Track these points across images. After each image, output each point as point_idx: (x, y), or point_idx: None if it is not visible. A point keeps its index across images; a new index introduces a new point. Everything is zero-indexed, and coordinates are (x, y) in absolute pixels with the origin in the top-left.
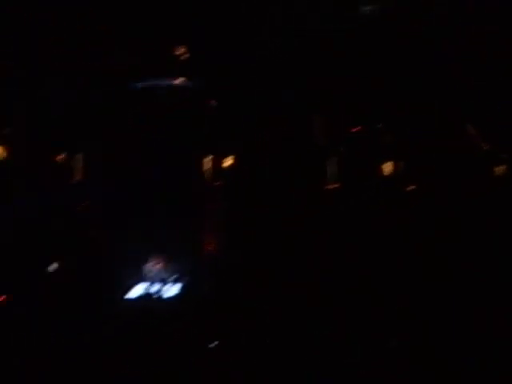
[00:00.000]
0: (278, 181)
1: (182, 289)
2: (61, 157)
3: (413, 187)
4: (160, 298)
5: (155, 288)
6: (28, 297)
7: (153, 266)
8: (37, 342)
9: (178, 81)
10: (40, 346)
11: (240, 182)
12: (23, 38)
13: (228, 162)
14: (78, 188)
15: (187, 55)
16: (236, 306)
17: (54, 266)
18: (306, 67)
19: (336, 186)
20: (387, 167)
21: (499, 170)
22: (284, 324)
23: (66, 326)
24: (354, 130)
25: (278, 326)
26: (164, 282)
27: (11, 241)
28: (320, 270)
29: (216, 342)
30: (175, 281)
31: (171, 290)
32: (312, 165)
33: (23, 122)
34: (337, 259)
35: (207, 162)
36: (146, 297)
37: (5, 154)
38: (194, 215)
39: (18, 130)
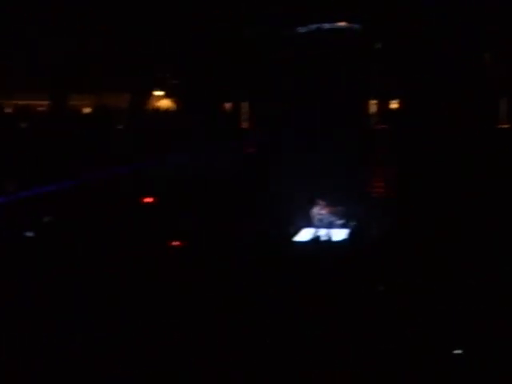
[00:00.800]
0: (446, 124)
1: (349, 233)
2: (228, 105)
3: None
4: (328, 242)
5: (323, 232)
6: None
7: (320, 211)
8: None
9: (343, 24)
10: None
11: (406, 125)
12: None
13: (393, 105)
14: (247, 134)
15: None
16: (402, 252)
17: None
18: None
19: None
20: None
21: None
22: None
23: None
24: None
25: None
26: (331, 226)
27: (185, 183)
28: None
29: (381, 287)
30: (342, 225)
31: (338, 234)
32: (484, 106)
33: (189, 72)
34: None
35: (373, 105)
36: (314, 240)
37: (173, 105)
38: (361, 160)
39: (186, 81)
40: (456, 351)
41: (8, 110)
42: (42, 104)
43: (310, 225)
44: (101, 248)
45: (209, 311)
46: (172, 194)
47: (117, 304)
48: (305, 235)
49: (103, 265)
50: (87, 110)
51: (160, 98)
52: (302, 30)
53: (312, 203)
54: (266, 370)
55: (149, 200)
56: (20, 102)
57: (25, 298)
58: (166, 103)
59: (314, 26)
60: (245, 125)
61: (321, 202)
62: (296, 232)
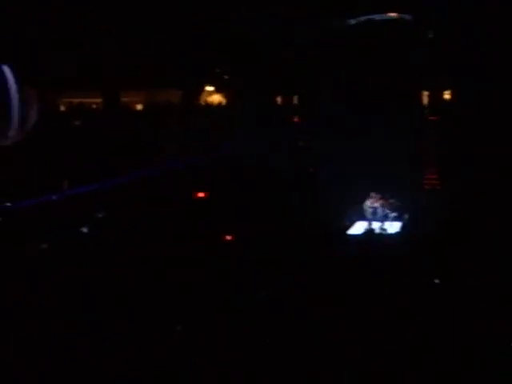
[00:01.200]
0: (500, 113)
1: (403, 226)
2: (279, 98)
3: None
4: (382, 235)
5: (377, 225)
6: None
7: (374, 204)
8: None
9: (393, 15)
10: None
11: (459, 117)
12: None
13: (446, 96)
14: (299, 127)
15: None
16: (455, 244)
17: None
18: None
19: None
20: None
21: None
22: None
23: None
24: None
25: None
26: (385, 218)
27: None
28: None
29: (437, 280)
30: (396, 218)
31: (392, 226)
32: None
33: (241, 69)
34: None
35: (425, 96)
36: (368, 233)
37: (223, 100)
38: (414, 151)
39: (235, 78)
40: None
41: (62, 109)
42: (96, 102)
43: (363, 218)
44: (151, 243)
45: (261, 301)
46: (224, 188)
47: (167, 294)
48: (359, 228)
49: (153, 258)
50: (139, 107)
51: (211, 93)
52: (352, 21)
53: (365, 197)
54: (277, 369)
55: (201, 195)
56: (74, 100)
57: (85, 290)
58: (217, 98)
59: (364, 18)
60: (296, 118)
61: (374, 195)
62: (350, 225)
